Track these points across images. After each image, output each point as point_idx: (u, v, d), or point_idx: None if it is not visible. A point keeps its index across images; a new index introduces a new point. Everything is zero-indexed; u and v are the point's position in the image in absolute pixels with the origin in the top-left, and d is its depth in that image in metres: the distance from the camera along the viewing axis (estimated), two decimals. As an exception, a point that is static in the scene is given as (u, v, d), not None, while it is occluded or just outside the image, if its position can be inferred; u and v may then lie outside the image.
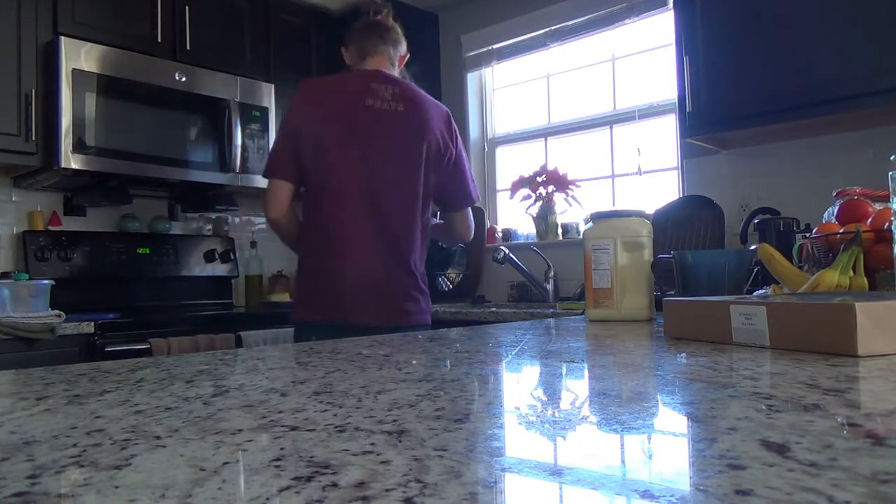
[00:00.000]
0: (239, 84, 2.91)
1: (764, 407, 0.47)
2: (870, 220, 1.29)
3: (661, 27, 2.84)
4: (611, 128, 3.08)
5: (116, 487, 0.32)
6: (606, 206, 2.96)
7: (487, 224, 3.37)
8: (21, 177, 2.64)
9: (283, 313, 2.81)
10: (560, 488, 0.32)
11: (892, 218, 1.09)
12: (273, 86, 3.05)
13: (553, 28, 3.13)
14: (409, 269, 1.71)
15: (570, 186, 3.05)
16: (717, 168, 2.62)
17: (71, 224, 2.82)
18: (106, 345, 2.19)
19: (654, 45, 2.92)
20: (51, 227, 2.74)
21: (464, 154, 1.86)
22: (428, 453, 0.37)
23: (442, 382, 0.61)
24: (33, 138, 2.41)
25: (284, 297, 3.26)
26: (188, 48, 2.82)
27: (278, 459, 0.36)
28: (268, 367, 0.76)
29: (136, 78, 2.59)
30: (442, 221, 1.93)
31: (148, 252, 2.91)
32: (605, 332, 1.12)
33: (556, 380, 0.67)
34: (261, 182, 2.97)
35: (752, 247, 1.57)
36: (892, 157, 1.12)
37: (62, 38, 2.42)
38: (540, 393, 0.60)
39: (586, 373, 0.69)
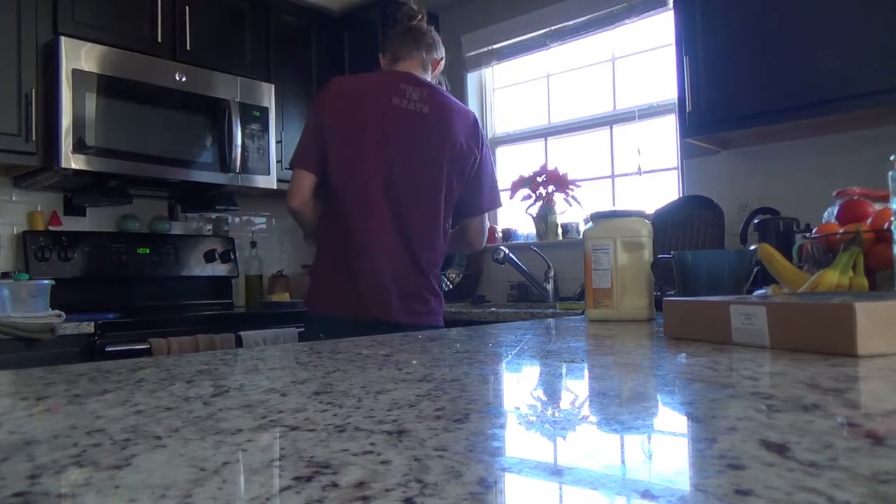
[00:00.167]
0: (239, 84, 2.91)
1: (764, 407, 0.47)
2: (870, 220, 1.29)
3: (661, 27, 2.84)
4: (611, 128, 3.08)
5: (116, 487, 0.32)
6: (606, 206, 2.96)
7: (487, 224, 3.36)
8: (21, 177, 2.64)
9: (284, 313, 2.81)
10: (560, 488, 0.32)
11: (892, 218, 1.09)
12: (273, 86, 3.05)
13: (553, 28, 3.13)
14: (422, 270, 1.72)
15: (570, 186, 3.05)
16: (717, 168, 2.62)
17: (71, 224, 2.83)
18: (106, 345, 2.19)
19: (654, 45, 2.92)
20: (51, 227, 2.74)
21: (489, 160, 1.87)
22: (428, 453, 0.37)
23: (442, 382, 0.61)
24: (33, 138, 2.41)
25: (284, 297, 3.27)
26: (188, 48, 2.82)
27: (278, 459, 0.36)
28: (268, 367, 0.76)
29: (137, 78, 2.59)
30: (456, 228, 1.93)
31: (148, 252, 2.91)
32: (605, 332, 1.12)
33: (556, 380, 0.67)
34: (261, 182, 2.97)
35: (752, 247, 1.57)
36: (891, 157, 1.12)
37: (62, 38, 2.42)
38: (540, 393, 0.60)
39: (586, 373, 0.69)
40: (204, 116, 2.79)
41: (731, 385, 0.57)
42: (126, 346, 2.22)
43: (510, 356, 0.84)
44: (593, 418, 0.48)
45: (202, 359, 0.83)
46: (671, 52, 2.40)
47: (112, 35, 2.60)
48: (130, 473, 0.35)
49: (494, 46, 3.34)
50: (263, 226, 3.47)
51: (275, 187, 3.03)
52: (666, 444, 0.41)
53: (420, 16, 1.87)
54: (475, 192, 1.83)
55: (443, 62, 1.93)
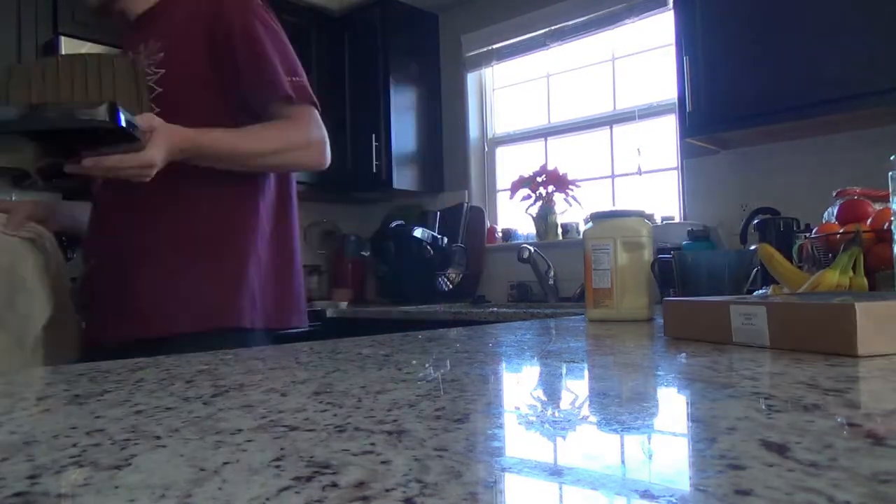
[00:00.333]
0: (239, 84, 2.91)
1: (764, 407, 0.47)
2: (870, 220, 1.29)
3: (661, 27, 2.84)
4: (611, 128, 3.08)
5: (116, 487, 0.32)
6: (606, 206, 2.96)
7: (487, 224, 3.37)
8: (21, 177, 2.64)
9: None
10: (560, 488, 0.32)
11: (892, 218, 1.09)
12: (273, 86, 3.05)
13: (553, 28, 3.13)
14: None
15: (570, 186, 3.05)
16: (717, 168, 2.62)
17: (71, 224, 2.82)
18: (106, 345, 2.18)
19: (654, 45, 2.92)
20: (51, 227, 2.74)
21: None
22: (428, 453, 0.37)
23: (442, 382, 0.61)
24: (33, 138, 2.41)
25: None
26: (188, 48, 2.81)
27: (278, 459, 0.36)
28: (268, 367, 0.76)
29: (136, 78, 2.59)
30: None
31: (148, 252, 2.90)
32: (605, 332, 1.12)
33: (556, 380, 0.67)
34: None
35: (752, 247, 1.57)
36: (892, 157, 1.12)
37: (62, 38, 2.42)
38: (540, 393, 0.60)
39: (586, 373, 0.70)
40: (204, 116, 2.78)
41: (731, 385, 0.57)
42: (126, 346, 2.21)
43: (510, 356, 0.84)
44: (593, 418, 0.48)
45: (202, 359, 0.83)
46: (671, 52, 2.40)
47: (112, 35, 2.59)
48: (130, 473, 0.35)
49: (494, 46, 3.34)
50: (263, 226, 3.46)
51: (275, 187, 3.02)
52: (666, 444, 0.41)
53: None
54: None
55: None
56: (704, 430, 0.42)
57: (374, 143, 3.26)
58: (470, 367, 0.71)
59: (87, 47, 2.48)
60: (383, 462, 0.35)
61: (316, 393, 0.57)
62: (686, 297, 1.19)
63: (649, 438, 0.41)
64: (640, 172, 2.94)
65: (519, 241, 3.20)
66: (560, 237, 3.06)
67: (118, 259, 1.27)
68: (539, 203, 3.10)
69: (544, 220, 3.09)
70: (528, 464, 0.36)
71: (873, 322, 0.70)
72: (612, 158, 3.08)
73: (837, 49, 1.98)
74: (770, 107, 2.11)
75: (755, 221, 2.17)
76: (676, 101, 2.36)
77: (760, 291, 1.42)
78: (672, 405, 0.54)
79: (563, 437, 0.42)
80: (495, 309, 2.65)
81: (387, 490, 0.30)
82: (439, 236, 3.13)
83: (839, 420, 0.43)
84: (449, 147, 3.53)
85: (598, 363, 0.76)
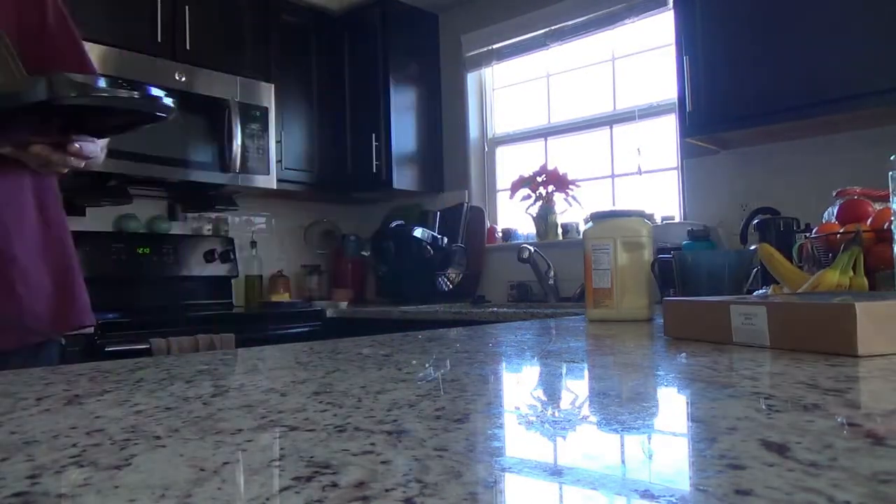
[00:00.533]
0: (239, 84, 2.91)
1: (764, 407, 0.47)
2: (870, 220, 1.29)
3: (661, 27, 2.84)
4: (611, 128, 3.08)
5: (116, 487, 0.32)
6: (606, 206, 2.96)
7: (487, 224, 3.37)
8: None
9: (284, 313, 2.82)
10: (560, 488, 0.32)
11: (892, 218, 1.09)
12: (273, 86, 3.05)
13: (553, 28, 3.13)
14: None
15: (570, 186, 3.05)
16: (717, 168, 2.62)
17: (70, 224, 2.80)
18: (106, 345, 2.19)
19: (654, 45, 2.92)
20: (51, 227, 2.74)
21: None
22: (428, 453, 0.37)
23: (442, 382, 0.61)
24: (33, 138, 2.41)
25: (284, 297, 3.27)
26: (188, 48, 2.82)
27: (278, 459, 0.36)
28: (268, 367, 0.76)
29: (136, 78, 2.59)
30: None
31: (148, 252, 2.91)
32: (605, 332, 1.12)
33: (556, 380, 0.67)
34: (261, 182, 2.98)
35: (752, 247, 1.56)
36: (892, 157, 1.12)
37: (62, 38, 2.42)
38: (540, 393, 0.60)
39: (586, 373, 0.69)
40: (204, 116, 2.79)
41: (731, 385, 0.57)
42: (126, 346, 2.22)
43: (510, 356, 0.84)
44: (593, 418, 0.48)
45: (202, 359, 0.83)
46: (671, 52, 2.40)
47: (112, 35, 2.60)
48: (130, 473, 0.35)
49: (494, 46, 3.34)
50: (263, 226, 3.47)
51: (275, 187, 3.03)
52: (666, 444, 0.41)
53: None
54: None
55: None
56: (704, 430, 0.42)
57: (374, 143, 3.26)
58: (470, 367, 0.71)
59: (86, 47, 2.48)
60: (383, 462, 0.35)
61: (316, 393, 0.58)
62: (686, 297, 1.19)
63: (649, 438, 0.41)
64: (640, 172, 2.94)
65: (519, 241, 3.20)
66: (560, 237, 3.06)
67: None
68: (539, 203, 3.10)
69: (544, 220, 3.09)
70: (528, 464, 0.36)
71: (873, 322, 0.70)
72: (612, 158, 3.08)
73: (837, 49, 1.98)
74: (770, 107, 2.11)
75: (755, 221, 2.17)
76: (676, 101, 2.35)
77: (760, 291, 1.42)
78: (672, 405, 0.54)
79: (563, 437, 0.42)
80: (495, 309, 2.65)
81: (387, 490, 0.30)
82: (439, 236, 3.13)
83: (839, 420, 0.43)
84: (449, 147, 3.53)
85: (598, 363, 0.76)
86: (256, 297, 3.26)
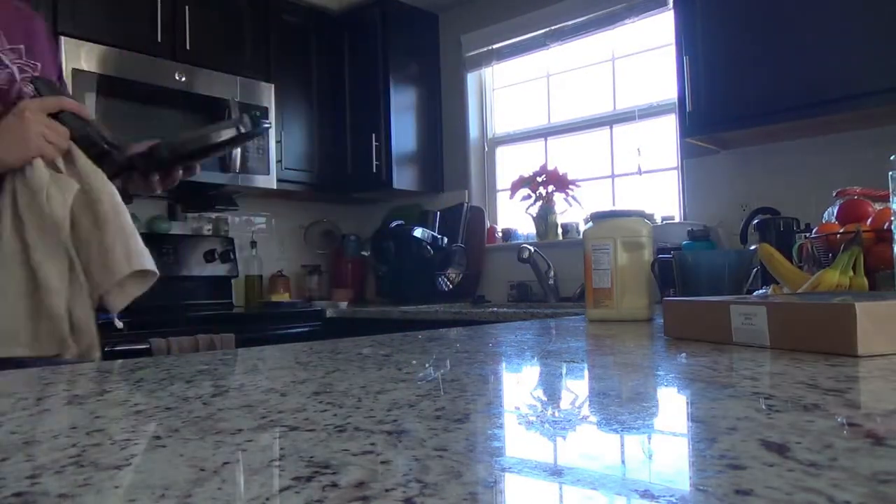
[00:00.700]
0: (239, 84, 2.91)
1: (764, 407, 0.47)
2: (870, 220, 1.29)
3: (661, 27, 2.84)
4: (611, 128, 3.08)
5: (116, 487, 0.32)
6: (606, 206, 2.96)
7: (487, 224, 3.37)
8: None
9: (283, 313, 2.81)
10: (560, 488, 0.32)
11: (892, 218, 1.09)
12: (273, 86, 3.05)
13: (553, 28, 3.13)
14: None
15: (570, 186, 3.05)
16: (717, 168, 2.62)
17: (71, 224, 2.82)
18: (106, 345, 2.18)
19: (654, 45, 2.92)
20: (51, 227, 2.74)
21: None
22: (428, 453, 0.37)
23: (442, 382, 0.61)
24: (33, 138, 2.41)
25: (284, 297, 3.27)
26: (188, 48, 2.82)
27: (278, 459, 0.36)
28: (268, 367, 0.76)
29: (137, 78, 2.59)
30: None
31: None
32: (605, 332, 1.12)
33: (556, 380, 0.67)
34: (261, 182, 2.98)
35: (752, 247, 1.56)
36: (892, 157, 1.12)
37: (62, 38, 2.42)
38: (540, 393, 0.60)
39: (586, 373, 0.69)
40: (204, 116, 2.79)
41: (731, 385, 0.57)
42: (126, 346, 2.22)
43: (510, 356, 0.84)
44: (593, 418, 0.48)
45: (202, 359, 0.83)
46: (671, 52, 2.40)
47: (112, 35, 2.60)
48: (130, 473, 0.35)
49: (494, 46, 3.34)
50: (263, 226, 3.47)
51: (275, 187, 3.03)
52: (666, 444, 0.41)
53: None
54: None
55: None
56: (704, 430, 0.42)
57: (374, 143, 3.26)
58: (470, 367, 0.71)
59: (86, 47, 2.48)
60: (383, 462, 0.35)
61: (316, 393, 0.58)
62: (686, 297, 1.19)
63: (649, 438, 0.41)
64: (640, 172, 2.94)
65: (519, 241, 3.20)
66: (560, 237, 3.06)
67: None
68: (539, 203, 3.10)
69: (544, 220, 3.09)
70: (528, 464, 0.36)
71: (873, 322, 0.70)
72: (612, 158, 3.08)
73: (837, 49, 1.98)
74: (770, 107, 2.11)
75: (755, 221, 2.17)
76: (676, 101, 2.35)
77: (760, 291, 1.42)
78: (672, 405, 0.54)
79: (563, 437, 0.42)
80: (495, 309, 2.65)
81: (387, 490, 0.31)
82: (439, 236, 3.13)
83: (839, 420, 0.43)
84: (449, 147, 3.53)
85: (598, 363, 0.76)
86: (256, 297, 3.26)
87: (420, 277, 3.11)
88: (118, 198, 1.09)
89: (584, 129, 3.18)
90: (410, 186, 3.37)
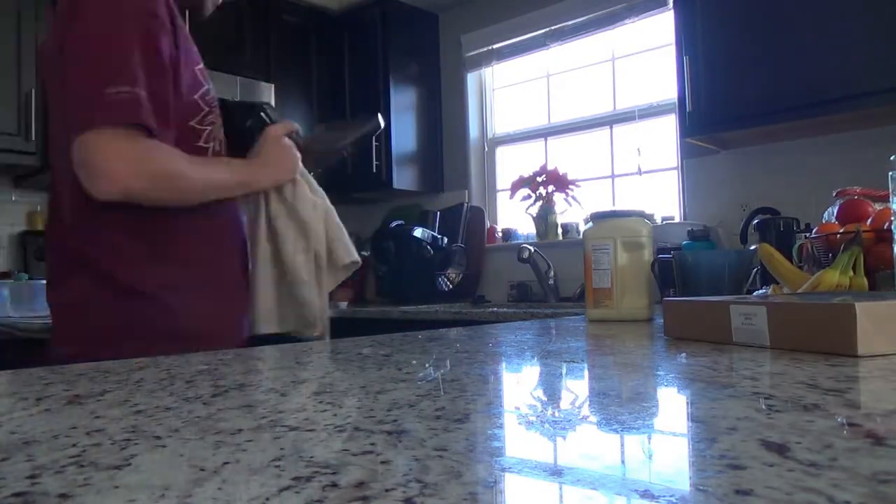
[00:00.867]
0: (239, 84, 2.91)
1: (764, 407, 0.47)
2: (870, 220, 1.29)
3: (661, 27, 2.84)
4: (611, 128, 3.08)
5: (116, 487, 0.32)
6: (606, 206, 2.96)
7: (487, 224, 3.37)
8: (21, 177, 2.64)
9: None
10: (560, 488, 0.32)
11: (892, 218, 1.09)
12: (273, 86, 3.05)
13: (553, 28, 3.13)
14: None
15: (570, 186, 3.05)
16: (717, 168, 2.62)
17: (71, 224, 2.82)
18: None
19: (654, 45, 2.92)
20: (51, 227, 2.74)
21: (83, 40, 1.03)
22: (428, 453, 0.37)
23: (442, 382, 0.61)
24: (33, 138, 2.41)
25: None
26: (188, 48, 2.81)
27: (278, 459, 0.36)
28: (268, 367, 0.76)
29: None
30: None
31: (148, 252, 2.90)
32: (605, 332, 1.12)
33: (556, 380, 0.67)
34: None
35: (752, 247, 1.57)
36: (892, 158, 1.12)
37: (62, 38, 2.42)
38: (540, 393, 0.60)
39: (586, 373, 0.69)
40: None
41: (731, 385, 0.57)
42: (126, 346, 2.21)
43: (510, 356, 0.84)
44: (593, 418, 0.48)
45: (202, 359, 0.83)
46: (671, 52, 2.40)
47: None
48: (130, 473, 0.35)
49: (494, 46, 3.34)
50: (263, 226, 3.47)
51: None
52: (666, 444, 0.41)
53: None
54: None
55: None
56: (704, 430, 0.42)
57: (373, 143, 3.26)
58: (470, 367, 0.71)
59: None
60: (383, 462, 0.35)
61: (316, 393, 0.58)
62: (686, 297, 1.19)
63: (649, 438, 0.41)
64: (640, 172, 2.94)
65: (519, 241, 3.20)
66: (560, 237, 3.06)
67: None
68: (539, 203, 3.10)
69: (544, 220, 3.09)
70: (528, 464, 0.36)
71: (873, 322, 0.70)
72: (612, 158, 3.08)
73: (837, 49, 1.98)
74: (770, 107, 2.11)
75: (755, 221, 2.17)
76: (676, 101, 2.35)
77: (760, 291, 1.43)
78: (672, 405, 0.54)
79: (563, 437, 0.42)
80: (495, 309, 2.65)
81: (387, 490, 0.30)
82: (439, 236, 3.13)
83: (839, 420, 0.43)
84: (449, 147, 3.53)
85: (598, 363, 0.76)
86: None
87: (420, 277, 3.11)
88: (327, 199, 1.34)
89: (584, 129, 3.18)
90: (410, 186, 3.37)
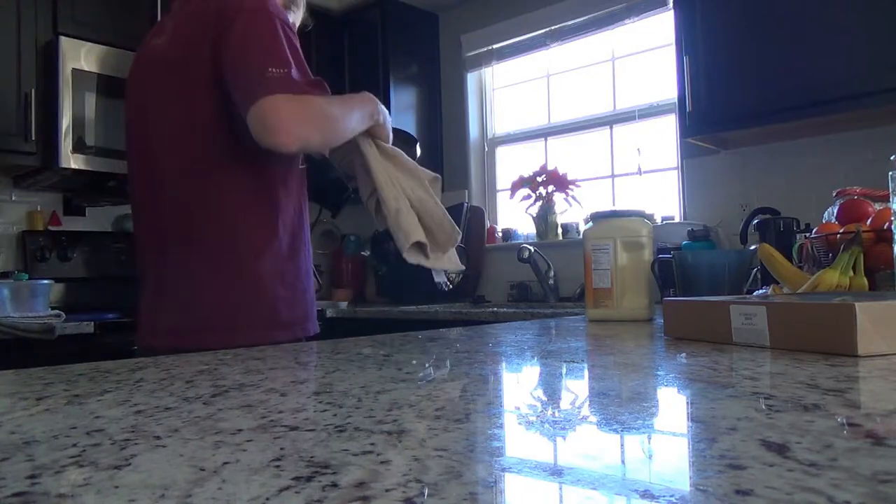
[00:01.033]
0: (239, 84, 2.91)
1: (764, 407, 0.47)
2: (870, 220, 1.29)
3: (661, 27, 2.84)
4: (611, 128, 3.08)
5: (116, 487, 0.32)
6: (606, 206, 2.96)
7: (487, 224, 3.37)
8: (21, 177, 2.64)
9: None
10: (560, 488, 0.32)
11: (892, 218, 1.09)
12: (273, 86, 3.05)
13: (553, 28, 3.13)
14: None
15: (570, 186, 3.05)
16: (717, 168, 2.62)
17: (70, 224, 2.82)
18: (106, 345, 2.19)
19: (654, 45, 2.92)
20: (50, 227, 2.74)
21: (258, 25, 1.23)
22: (428, 453, 0.37)
23: (442, 382, 0.61)
24: (33, 138, 2.41)
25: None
26: (188, 48, 2.81)
27: (278, 459, 0.36)
28: (268, 367, 0.76)
29: (136, 78, 2.59)
30: None
31: (148, 252, 2.90)
32: (605, 332, 1.12)
33: (556, 380, 0.67)
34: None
35: (752, 247, 1.56)
36: (892, 158, 1.12)
37: (62, 38, 2.42)
38: (540, 393, 0.60)
39: (586, 373, 0.69)
40: (204, 116, 2.78)
41: (731, 385, 0.57)
42: (126, 345, 2.21)
43: (510, 356, 0.84)
44: (593, 418, 0.48)
45: (202, 359, 0.83)
46: (671, 52, 2.40)
47: (112, 35, 2.59)
48: (130, 473, 0.35)
49: (494, 46, 3.34)
50: (263, 226, 3.46)
51: (275, 187, 3.02)
52: (666, 444, 0.41)
53: None
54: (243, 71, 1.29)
55: None
56: (704, 430, 0.42)
57: (374, 143, 3.26)
58: (470, 367, 0.71)
59: (86, 47, 2.48)
60: (383, 462, 0.35)
61: (316, 393, 0.58)
62: (686, 297, 1.19)
63: (649, 438, 0.41)
64: (640, 172, 2.94)
65: (519, 241, 3.20)
66: (560, 237, 3.06)
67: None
68: (539, 203, 3.10)
69: (544, 220, 3.09)
70: (528, 464, 0.36)
71: (873, 322, 0.70)
72: (612, 158, 3.08)
73: (837, 49, 1.98)
74: (770, 107, 2.11)
75: (755, 221, 2.17)
76: (676, 101, 2.35)
77: (760, 291, 1.42)
78: (672, 405, 0.54)
79: (563, 437, 0.42)
80: (495, 309, 2.65)
81: (387, 490, 0.30)
82: (439, 236, 3.13)
83: (839, 420, 0.43)
84: (449, 147, 3.53)
85: (598, 363, 0.76)
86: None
87: (420, 277, 3.10)
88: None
89: (584, 129, 3.18)
90: (410, 186, 3.37)
